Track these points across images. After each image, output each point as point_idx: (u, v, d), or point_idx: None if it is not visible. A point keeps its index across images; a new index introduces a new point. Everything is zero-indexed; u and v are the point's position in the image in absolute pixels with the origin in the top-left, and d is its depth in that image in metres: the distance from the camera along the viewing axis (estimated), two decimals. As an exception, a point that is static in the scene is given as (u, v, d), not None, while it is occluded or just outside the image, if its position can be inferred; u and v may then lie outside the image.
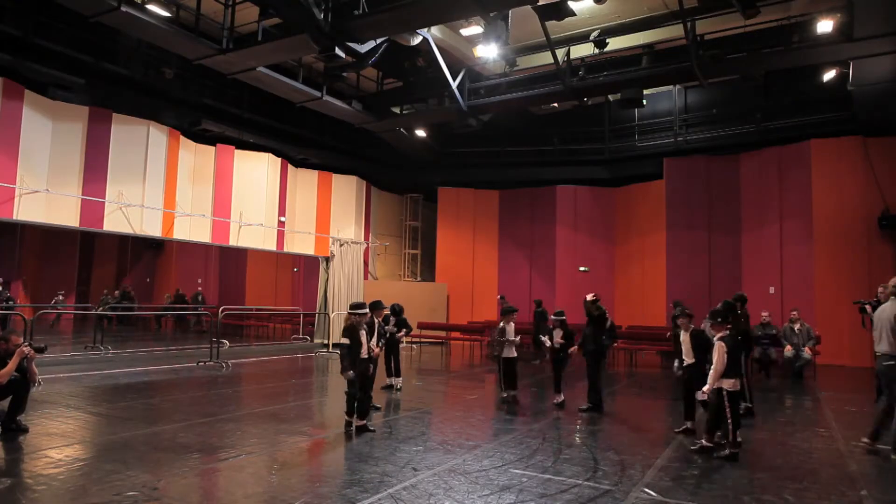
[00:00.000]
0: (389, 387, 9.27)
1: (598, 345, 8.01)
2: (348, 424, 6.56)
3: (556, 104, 16.48)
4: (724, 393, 5.63)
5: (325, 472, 5.17)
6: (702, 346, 6.31)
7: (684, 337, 6.56)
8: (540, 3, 10.35)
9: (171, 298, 21.24)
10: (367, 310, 6.72)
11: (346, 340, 6.47)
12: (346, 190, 17.68)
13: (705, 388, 5.75)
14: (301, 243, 16.57)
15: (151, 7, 10.64)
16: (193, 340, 16.75)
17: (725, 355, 5.58)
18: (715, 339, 5.79)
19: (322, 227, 17.09)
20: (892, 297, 5.96)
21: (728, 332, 5.77)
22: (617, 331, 10.80)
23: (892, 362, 5.84)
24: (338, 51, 10.71)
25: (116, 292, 22.09)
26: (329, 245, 17.04)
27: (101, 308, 18.16)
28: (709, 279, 15.51)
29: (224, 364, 11.46)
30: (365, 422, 6.55)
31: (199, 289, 21.48)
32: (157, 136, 12.99)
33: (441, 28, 13.03)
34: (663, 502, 4.46)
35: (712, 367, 5.68)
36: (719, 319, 5.86)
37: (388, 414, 7.62)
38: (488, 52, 12.82)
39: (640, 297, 16.87)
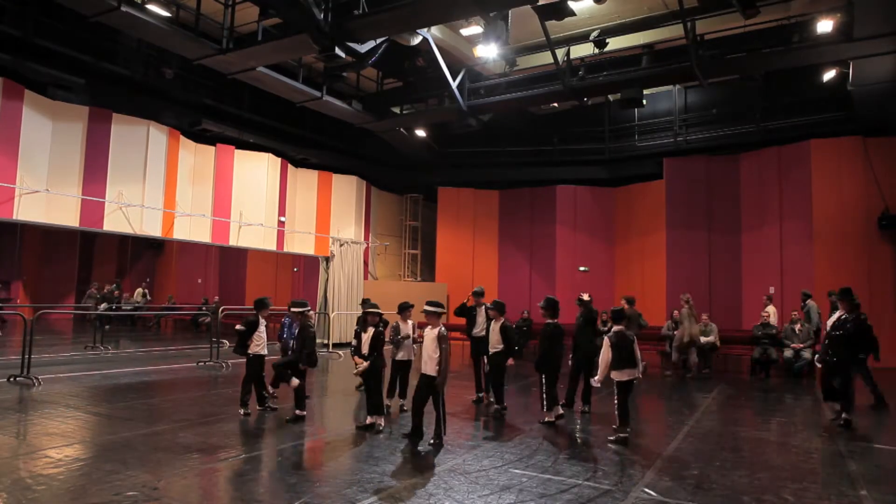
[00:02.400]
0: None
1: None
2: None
3: (555, 104, 16.48)
4: (615, 383, 6.48)
5: (325, 472, 5.17)
6: (508, 336, 7.78)
7: (494, 326, 7.85)
8: (540, 3, 10.35)
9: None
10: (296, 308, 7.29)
11: None
12: (346, 190, 17.68)
13: (597, 378, 6.57)
14: (301, 243, 16.57)
15: (151, 7, 10.64)
16: (193, 340, 16.75)
17: (609, 349, 6.40)
18: (607, 335, 6.57)
19: (322, 227, 17.09)
20: None
21: (621, 327, 6.57)
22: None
23: None
24: (338, 51, 10.69)
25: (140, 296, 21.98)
26: (329, 245, 17.03)
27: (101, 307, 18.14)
28: (709, 279, 15.51)
29: (224, 364, 11.46)
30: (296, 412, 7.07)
31: (217, 297, 21.13)
32: (157, 136, 12.99)
33: (441, 28, 13.02)
34: (663, 502, 4.46)
35: (601, 357, 6.53)
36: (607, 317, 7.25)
37: (388, 414, 7.61)
38: (488, 52, 12.82)
39: (640, 297, 16.76)
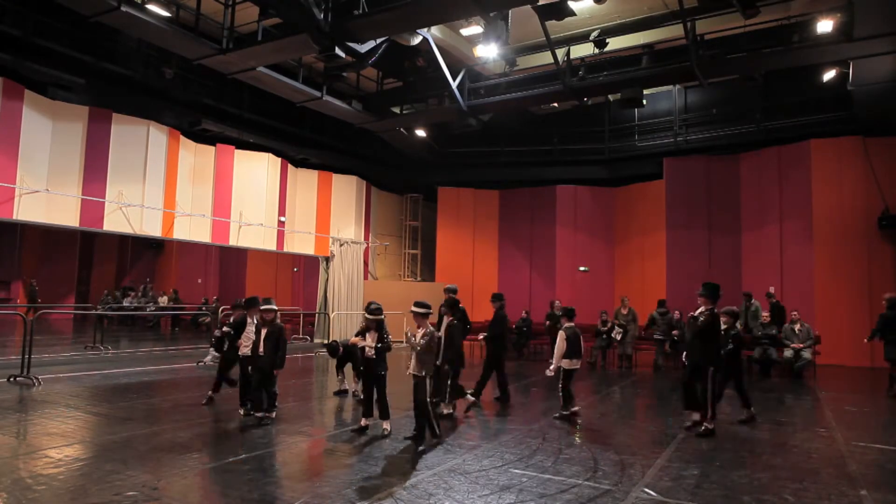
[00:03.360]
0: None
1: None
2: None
3: (556, 104, 16.48)
4: (562, 370, 7.40)
5: (325, 472, 5.17)
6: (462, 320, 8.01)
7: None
8: (540, 3, 10.35)
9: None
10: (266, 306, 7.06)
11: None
12: (346, 190, 17.68)
13: (552, 367, 7.40)
14: (301, 243, 16.57)
15: (151, 7, 10.64)
16: (193, 340, 16.75)
17: (565, 341, 7.32)
18: (560, 329, 7.51)
19: (322, 227, 17.09)
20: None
21: (573, 324, 7.49)
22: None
23: None
24: (338, 51, 10.70)
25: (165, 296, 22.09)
26: (329, 245, 17.03)
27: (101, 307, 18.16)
28: (709, 279, 15.48)
29: (224, 364, 11.43)
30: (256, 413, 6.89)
31: (216, 297, 21.24)
32: (157, 136, 12.99)
33: (441, 28, 13.02)
34: (663, 502, 4.46)
35: (556, 349, 7.44)
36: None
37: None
38: (488, 52, 12.82)
39: (640, 296, 16.86)
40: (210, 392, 7.88)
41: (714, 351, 6.87)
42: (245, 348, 7.24)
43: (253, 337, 7.18)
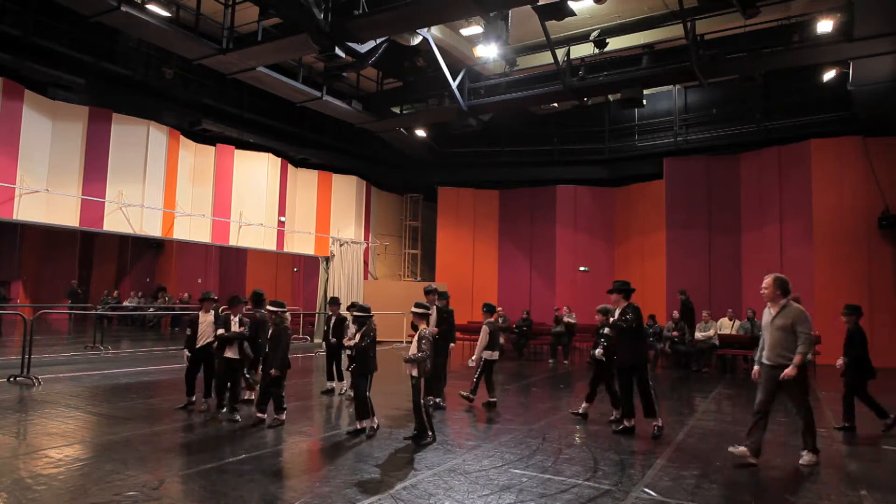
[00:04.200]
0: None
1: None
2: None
3: (556, 104, 16.49)
4: (483, 360, 8.02)
5: (325, 472, 5.17)
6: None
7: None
8: (540, 3, 10.36)
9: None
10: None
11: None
12: (346, 190, 17.68)
13: (473, 358, 8.01)
14: (301, 243, 16.57)
15: (151, 7, 10.64)
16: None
17: (488, 335, 7.95)
18: (484, 323, 8.13)
19: (322, 227, 17.09)
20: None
21: (494, 320, 8.18)
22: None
23: None
24: (338, 51, 10.71)
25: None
26: (329, 245, 17.03)
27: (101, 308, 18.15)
28: (709, 279, 15.51)
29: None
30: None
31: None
32: (157, 136, 12.99)
33: (441, 28, 13.03)
34: (663, 502, 4.46)
35: (479, 342, 8.02)
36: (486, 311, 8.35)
37: (387, 414, 7.61)
38: (488, 52, 12.82)
39: (640, 297, 16.79)
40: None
41: (643, 349, 6.89)
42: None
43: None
